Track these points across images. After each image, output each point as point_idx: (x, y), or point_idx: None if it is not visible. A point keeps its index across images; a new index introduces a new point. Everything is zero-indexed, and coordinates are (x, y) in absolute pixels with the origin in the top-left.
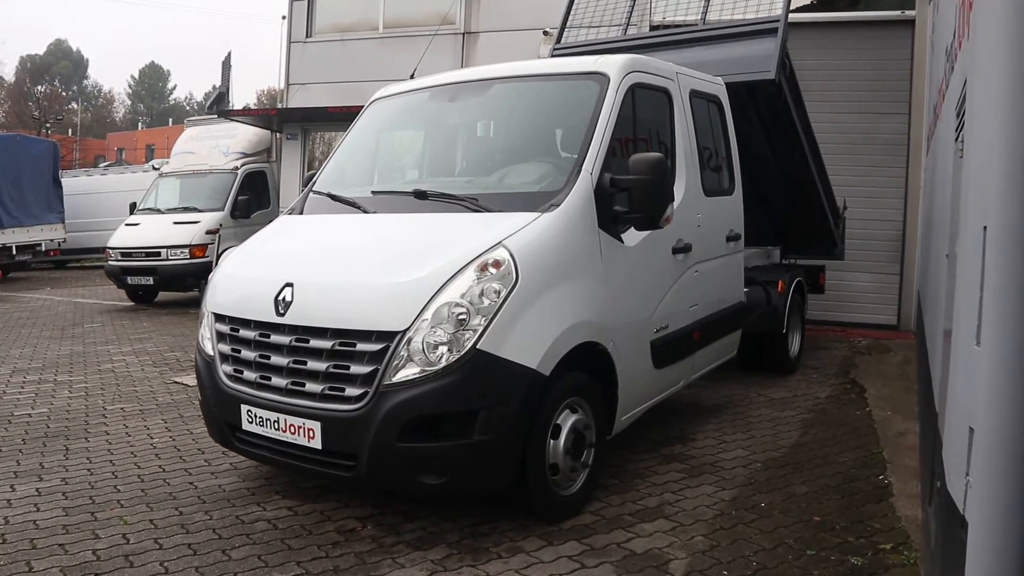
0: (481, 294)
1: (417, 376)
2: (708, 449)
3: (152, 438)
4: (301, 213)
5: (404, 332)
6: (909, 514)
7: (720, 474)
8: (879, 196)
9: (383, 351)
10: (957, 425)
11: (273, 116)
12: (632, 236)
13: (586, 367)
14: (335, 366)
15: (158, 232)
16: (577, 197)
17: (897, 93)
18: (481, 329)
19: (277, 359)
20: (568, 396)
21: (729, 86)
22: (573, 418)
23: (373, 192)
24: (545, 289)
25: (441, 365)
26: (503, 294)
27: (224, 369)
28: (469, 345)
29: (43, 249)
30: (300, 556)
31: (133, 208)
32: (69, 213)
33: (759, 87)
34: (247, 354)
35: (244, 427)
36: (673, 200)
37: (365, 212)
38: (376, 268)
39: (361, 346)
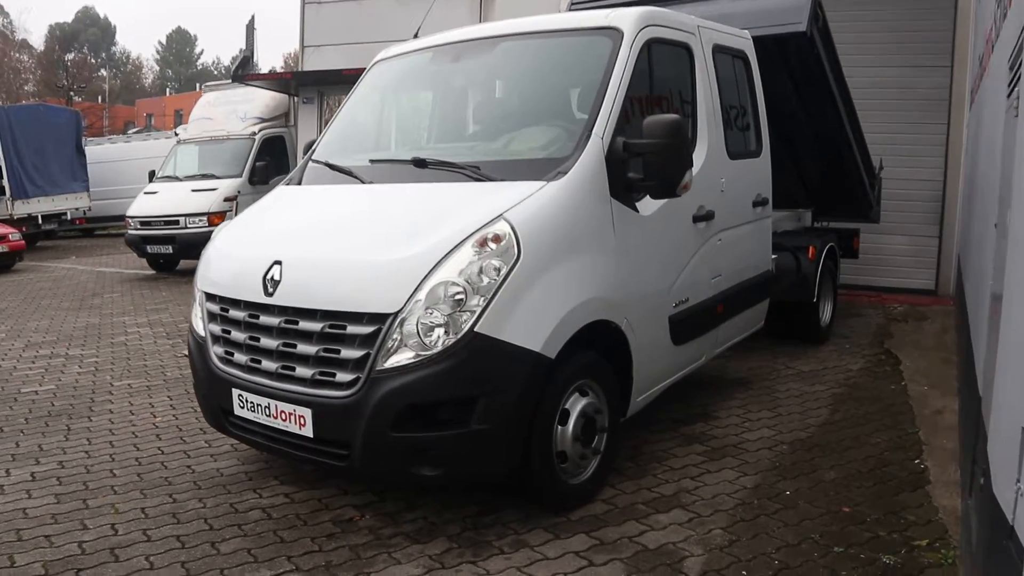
0: (480, 272)
1: (411, 361)
2: (731, 428)
3: (155, 416)
4: (299, 183)
5: (396, 314)
6: (947, 504)
7: (743, 457)
8: (918, 154)
9: (375, 334)
10: (1006, 423)
11: (290, 80)
12: (648, 205)
13: (598, 347)
14: (325, 350)
15: (176, 200)
16: (587, 164)
17: (939, 44)
18: (480, 310)
19: (267, 341)
20: (577, 379)
21: (756, 40)
22: (583, 402)
23: (371, 161)
24: (550, 265)
25: (437, 350)
26: (503, 271)
27: (215, 351)
28: (467, 328)
29: (69, 218)
30: (292, 550)
31: (152, 176)
32: (94, 181)
33: (789, 40)
34: (237, 335)
35: (236, 412)
36: (692, 166)
37: (362, 182)
38: (368, 244)
39: (352, 329)
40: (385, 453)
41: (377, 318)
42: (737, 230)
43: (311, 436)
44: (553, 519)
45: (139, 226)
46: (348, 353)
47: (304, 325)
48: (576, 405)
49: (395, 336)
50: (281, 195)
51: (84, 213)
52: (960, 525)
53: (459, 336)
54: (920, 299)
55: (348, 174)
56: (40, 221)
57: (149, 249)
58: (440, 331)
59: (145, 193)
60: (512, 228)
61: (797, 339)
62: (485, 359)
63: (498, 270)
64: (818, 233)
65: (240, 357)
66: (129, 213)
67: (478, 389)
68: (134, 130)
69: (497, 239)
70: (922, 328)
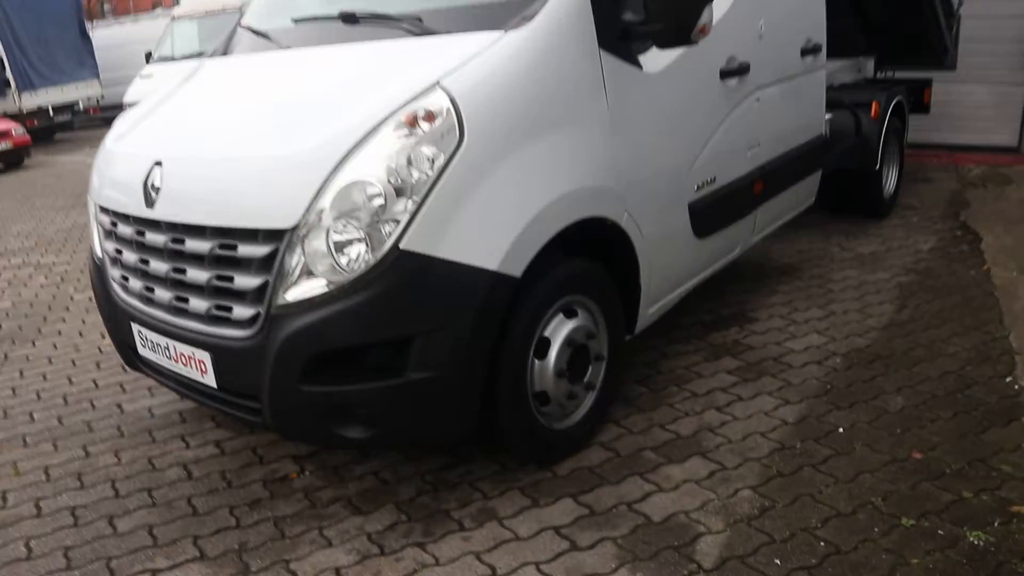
0: (408, 164)
1: (320, 293)
2: (772, 335)
3: (103, 338)
4: (224, 54)
5: (295, 229)
6: None
7: (785, 376)
8: None
9: (272, 257)
10: None
11: None
12: (655, 58)
13: (590, 251)
14: (218, 277)
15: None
16: (562, 3)
17: None
18: (407, 218)
19: (156, 265)
20: (560, 297)
21: None
22: (569, 326)
23: (294, 20)
24: (509, 149)
25: (352, 276)
26: (440, 163)
27: (114, 275)
28: (390, 243)
29: (81, 108)
30: (203, 527)
31: (149, 57)
32: (106, 67)
33: None
34: (128, 257)
35: (140, 351)
36: (711, 0)
37: (280, 48)
38: (265, 133)
39: (244, 250)
40: (298, 412)
41: (273, 235)
42: (781, 86)
43: (214, 385)
44: (535, 475)
45: None
46: (243, 282)
47: (191, 245)
48: (560, 331)
49: (297, 258)
50: (196, 70)
51: (98, 101)
52: None
53: (381, 255)
54: (1000, 158)
55: (265, 38)
56: (52, 113)
57: None
58: (360, 248)
59: (141, 77)
60: (451, 100)
61: (855, 213)
62: (419, 285)
63: (432, 161)
64: (883, 86)
65: (135, 284)
66: (126, 99)
67: (412, 326)
68: (163, 9)
69: (430, 117)
70: (1005, 195)
